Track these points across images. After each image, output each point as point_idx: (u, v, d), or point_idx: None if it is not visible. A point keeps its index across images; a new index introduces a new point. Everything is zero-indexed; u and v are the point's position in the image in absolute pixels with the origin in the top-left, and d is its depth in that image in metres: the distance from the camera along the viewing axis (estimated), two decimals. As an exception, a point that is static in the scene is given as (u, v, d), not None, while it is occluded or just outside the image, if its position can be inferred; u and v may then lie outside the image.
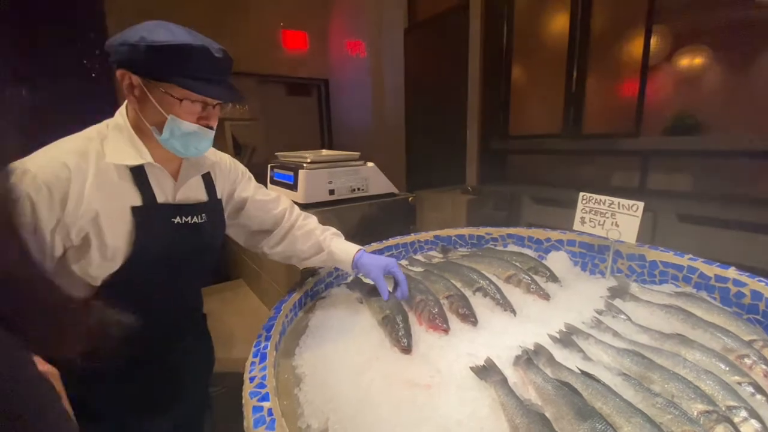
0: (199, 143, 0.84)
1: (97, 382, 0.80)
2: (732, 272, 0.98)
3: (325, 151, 1.83)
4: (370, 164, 1.73)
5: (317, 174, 1.57)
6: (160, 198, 0.85)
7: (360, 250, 1.06)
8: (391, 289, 1.03)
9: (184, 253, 0.88)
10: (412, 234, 1.49)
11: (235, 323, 1.76)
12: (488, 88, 3.26)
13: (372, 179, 1.72)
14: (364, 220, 1.66)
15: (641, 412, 0.61)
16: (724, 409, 0.64)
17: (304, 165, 1.56)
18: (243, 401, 0.69)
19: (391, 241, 1.41)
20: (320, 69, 4.77)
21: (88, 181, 0.75)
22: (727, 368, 0.74)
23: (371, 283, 1.07)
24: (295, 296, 1.06)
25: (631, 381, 0.70)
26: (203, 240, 0.92)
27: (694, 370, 0.73)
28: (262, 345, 0.83)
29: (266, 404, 0.65)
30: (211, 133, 0.85)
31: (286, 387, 0.79)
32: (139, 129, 0.82)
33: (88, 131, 0.81)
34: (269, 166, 1.86)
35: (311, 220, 1.12)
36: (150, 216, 0.82)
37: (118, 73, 0.77)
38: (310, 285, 1.15)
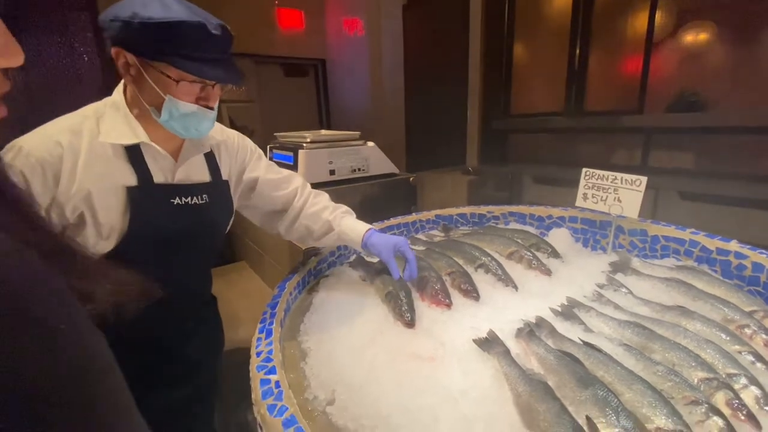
0: (199, 124, 0.82)
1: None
2: (734, 245, 0.98)
3: (324, 131, 1.81)
4: (370, 144, 1.72)
5: (317, 154, 1.56)
6: (158, 178, 0.83)
7: (370, 229, 1.04)
8: (401, 270, 1.01)
9: (184, 234, 0.87)
10: (413, 213, 1.49)
11: (239, 304, 1.78)
12: (489, 67, 3.20)
13: (373, 159, 1.71)
14: (365, 201, 1.66)
15: (642, 380, 0.62)
16: (724, 376, 0.65)
17: (304, 145, 1.54)
18: (250, 375, 0.70)
19: (392, 221, 1.41)
20: (317, 48, 4.68)
21: (81, 160, 0.74)
22: (728, 338, 0.75)
23: (375, 261, 1.08)
24: (299, 275, 1.07)
25: (632, 351, 0.71)
26: (206, 221, 0.91)
27: (694, 339, 0.74)
28: (268, 322, 0.84)
29: (273, 377, 0.66)
30: (212, 114, 0.83)
31: (292, 361, 0.80)
32: (136, 108, 0.80)
33: (85, 109, 0.79)
34: (268, 146, 1.84)
35: (322, 198, 1.11)
36: (146, 196, 0.81)
37: (113, 51, 0.74)
38: (313, 264, 1.15)
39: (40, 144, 0.71)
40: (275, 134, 1.82)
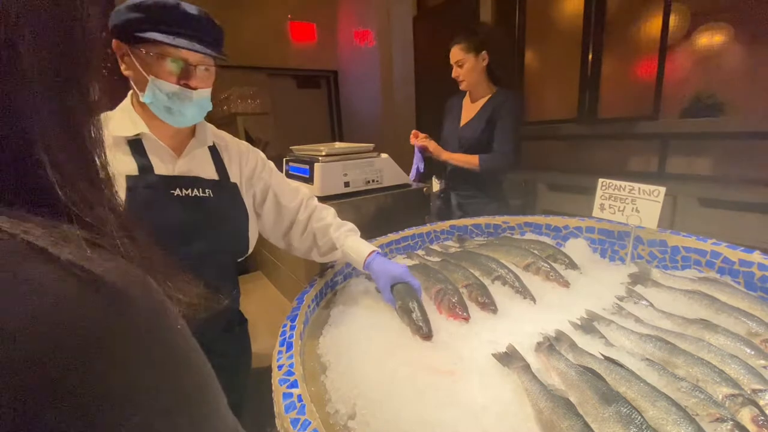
0: (182, 106, 0.82)
1: None
2: (757, 256, 0.97)
3: (338, 144, 1.84)
4: (384, 155, 1.73)
5: (332, 167, 1.58)
6: (159, 170, 0.86)
7: (373, 252, 1.03)
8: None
9: (187, 225, 0.87)
10: (428, 224, 1.50)
11: (255, 315, 1.80)
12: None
13: (386, 170, 1.72)
14: (380, 212, 1.68)
15: (666, 396, 0.62)
16: (749, 392, 0.64)
17: (320, 158, 1.57)
18: (273, 388, 0.71)
19: (407, 232, 1.42)
20: (329, 60, 4.77)
21: None
22: (753, 352, 0.73)
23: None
24: (317, 286, 1.09)
25: (655, 366, 0.71)
26: (211, 214, 0.91)
27: (718, 354, 0.72)
28: (288, 334, 0.85)
29: (295, 390, 0.68)
30: (195, 96, 0.83)
31: (313, 374, 0.81)
32: (138, 103, 0.84)
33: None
34: (284, 159, 1.88)
35: (327, 213, 1.12)
36: (145, 185, 0.83)
37: (114, 44, 0.78)
38: (330, 276, 1.17)
39: None
40: (291, 147, 1.86)
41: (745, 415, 0.60)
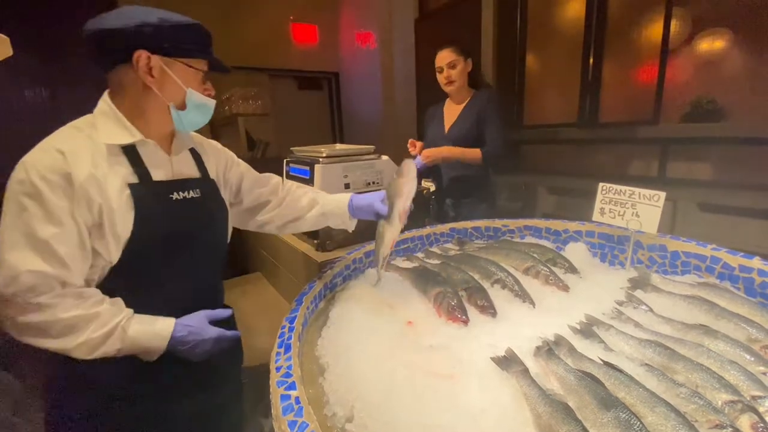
0: (209, 112, 0.92)
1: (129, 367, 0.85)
2: (757, 262, 0.97)
3: (339, 146, 1.84)
4: (384, 157, 1.74)
5: (333, 168, 1.58)
6: (157, 176, 0.87)
7: (351, 195, 1.12)
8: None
9: (187, 228, 0.90)
10: (428, 227, 1.50)
11: (254, 315, 1.81)
12: (501, 78, 3.21)
13: (386, 173, 1.72)
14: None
15: (665, 402, 0.61)
16: (749, 398, 0.64)
17: (320, 159, 1.57)
18: (270, 390, 0.71)
19: (407, 234, 1.42)
20: (331, 62, 4.77)
21: (85, 162, 0.76)
22: (752, 358, 0.73)
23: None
24: (316, 288, 1.09)
25: (654, 371, 0.71)
26: (203, 215, 0.94)
27: (718, 360, 0.72)
28: (286, 336, 0.85)
29: (293, 393, 0.67)
30: (214, 103, 0.93)
31: (311, 376, 0.81)
32: (132, 112, 0.84)
33: (74, 123, 0.83)
34: (285, 160, 1.88)
35: (305, 187, 1.20)
36: (147, 192, 0.84)
37: (136, 55, 0.79)
38: (329, 277, 1.17)
39: (44, 157, 0.74)
40: (291, 149, 1.86)
41: (745, 422, 0.60)
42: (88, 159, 0.77)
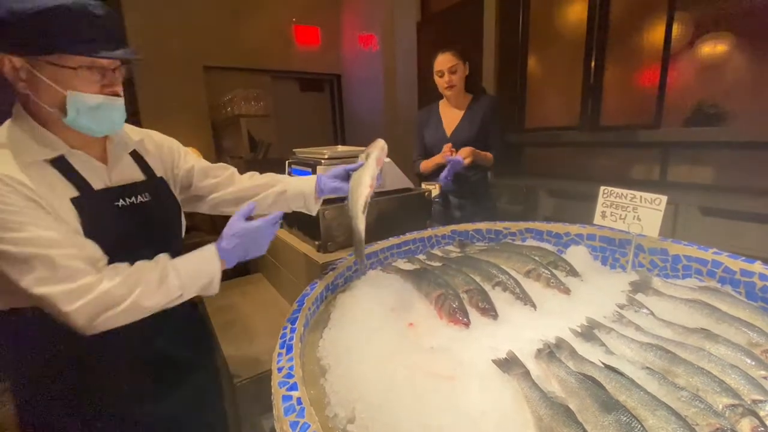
0: (111, 115, 0.78)
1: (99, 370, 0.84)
2: (758, 266, 0.97)
3: (341, 147, 1.84)
4: (386, 160, 1.74)
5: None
6: (97, 185, 0.81)
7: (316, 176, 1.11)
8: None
9: (139, 235, 0.86)
10: (429, 229, 1.50)
11: (255, 316, 1.81)
12: (503, 81, 3.22)
13: (389, 175, 1.73)
14: (382, 216, 1.68)
15: (666, 405, 0.61)
16: (749, 402, 0.64)
17: (322, 161, 1.58)
18: (272, 391, 0.71)
19: (409, 236, 1.43)
20: (333, 64, 4.80)
21: (27, 185, 0.69)
22: (753, 363, 0.73)
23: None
24: (317, 289, 1.09)
25: (655, 375, 0.71)
26: (153, 218, 0.90)
27: (719, 364, 0.72)
28: (288, 337, 0.85)
29: (295, 393, 0.67)
30: (120, 101, 0.79)
31: (312, 377, 0.81)
32: (42, 119, 0.75)
33: None
34: (287, 162, 1.88)
35: (264, 174, 1.17)
36: (91, 204, 0.78)
37: (5, 63, 0.68)
38: (331, 278, 1.17)
39: None
40: (293, 150, 1.87)
41: (745, 426, 0.60)
42: (27, 185, 0.69)
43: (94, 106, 0.74)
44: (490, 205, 2.09)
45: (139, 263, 0.77)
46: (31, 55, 0.68)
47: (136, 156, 0.93)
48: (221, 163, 1.13)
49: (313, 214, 1.18)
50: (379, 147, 1.09)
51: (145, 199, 0.89)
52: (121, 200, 0.84)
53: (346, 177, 1.10)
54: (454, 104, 2.00)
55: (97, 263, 0.73)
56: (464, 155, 1.79)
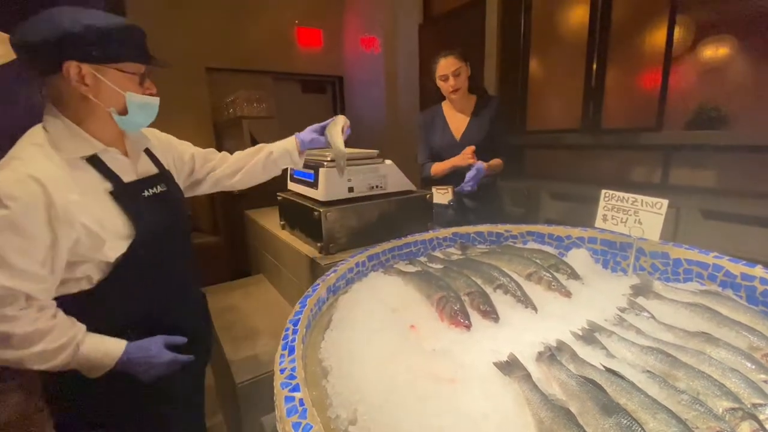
0: (153, 111, 0.94)
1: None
2: (759, 270, 0.97)
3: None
4: (388, 162, 1.75)
5: (337, 172, 1.59)
6: (126, 178, 0.92)
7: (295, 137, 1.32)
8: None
9: (166, 221, 0.98)
10: (431, 231, 1.51)
11: (256, 316, 1.82)
12: (505, 83, 3.23)
13: (390, 177, 1.73)
14: (383, 218, 1.68)
15: (666, 409, 0.62)
16: (749, 406, 0.64)
17: (324, 163, 1.58)
18: (274, 392, 0.72)
19: (410, 238, 1.43)
20: (335, 66, 4.81)
21: (61, 184, 0.78)
22: (753, 366, 0.74)
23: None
24: (319, 291, 1.09)
25: (656, 378, 0.71)
26: (174, 206, 1.03)
27: (719, 368, 0.73)
28: (290, 338, 0.85)
29: (297, 395, 0.68)
30: (158, 100, 0.94)
31: (314, 379, 0.82)
32: (81, 119, 0.85)
33: (32, 139, 0.82)
34: (290, 164, 1.89)
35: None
36: (125, 196, 0.89)
37: (65, 66, 0.78)
38: (332, 280, 1.18)
39: (20, 186, 0.73)
40: (296, 152, 1.87)
41: (745, 429, 0.60)
42: (63, 180, 0.79)
43: (142, 104, 0.90)
44: (500, 207, 2.10)
45: (58, 321, 0.82)
46: (101, 63, 0.82)
47: (147, 151, 1.04)
48: (211, 149, 1.28)
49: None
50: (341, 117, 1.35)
51: (163, 189, 1.01)
52: (146, 191, 0.96)
53: (320, 131, 1.34)
54: (459, 107, 1.99)
55: (31, 300, 0.79)
56: (488, 168, 1.80)
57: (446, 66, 1.85)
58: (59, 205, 0.76)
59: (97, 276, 0.86)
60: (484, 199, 2.01)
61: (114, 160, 0.91)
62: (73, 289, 0.85)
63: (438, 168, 2.00)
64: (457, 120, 1.99)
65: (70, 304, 0.85)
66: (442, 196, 1.94)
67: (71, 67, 0.79)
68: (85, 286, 0.86)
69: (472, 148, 1.85)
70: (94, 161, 0.87)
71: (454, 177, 1.95)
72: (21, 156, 0.78)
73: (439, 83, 1.91)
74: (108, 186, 0.87)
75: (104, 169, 0.88)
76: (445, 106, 2.04)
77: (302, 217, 1.67)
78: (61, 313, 0.83)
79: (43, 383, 0.93)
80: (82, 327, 0.85)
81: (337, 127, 1.32)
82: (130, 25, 0.84)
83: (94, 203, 0.84)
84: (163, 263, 0.98)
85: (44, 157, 0.79)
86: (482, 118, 1.93)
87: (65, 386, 0.90)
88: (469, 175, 1.82)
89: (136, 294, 0.92)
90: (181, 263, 1.05)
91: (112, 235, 0.85)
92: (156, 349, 0.92)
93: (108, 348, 0.87)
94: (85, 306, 0.86)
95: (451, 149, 1.95)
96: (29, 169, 0.75)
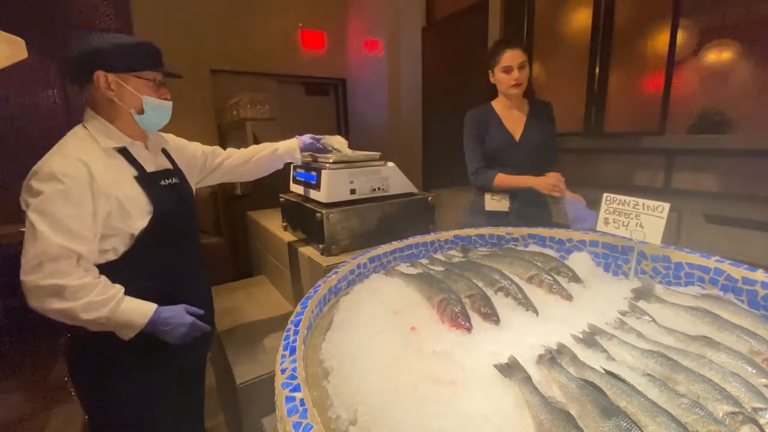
0: (167, 114, 1.15)
1: None
2: (760, 274, 0.97)
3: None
4: (390, 164, 1.75)
5: (339, 174, 1.60)
6: (148, 168, 1.12)
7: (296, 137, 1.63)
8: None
9: (179, 207, 1.17)
10: (432, 233, 1.51)
11: (258, 317, 1.82)
12: (507, 87, 3.22)
13: (392, 179, 1.74)
14: (385, 220, 1.69)
15: (666, 412, 0.62)
16: (750, 410, 0.64)
17: (327, 165, 1.59)
18: (275, 392, 0.72)
19: (412, 240, 1.43)
20: (338, 69, 4.84)
21: (101, 167, 0.99)
22: (754, 371, 0.73)
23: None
24: (320, 292, 1.10)
25: (656, 381, 0.71)
26: (185, 196, 1.23)
27: (720, 372, 0.73)
28: (291, 339, 0.86)
29: (298, 395, 0.68)
30: (171, 104, 1.15)
31: (315, 379, 0.82)
32: (112, 118, 1.07)
33: (76, 135, 1.04)
34: (292, 165, 1.90)
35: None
36: (147, 181, 1.09)
37: (96, 75, 1.01)
38: (334, 282, 1.18)
39: (68, 164, 0.94)
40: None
41: (745, 434, 0.60)
42: (102, 163, 1.01)
43: (158, 106, 1.11)
44: (549, 212, 1.93)
45: (104, 279, 1.00)
46: (123, 72, 1.03)
47: (164, 151, 1.24)
48: (216, 146, 1.49)
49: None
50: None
51: (176, 182, 1.20)
52: (163, 180, 1.15)
53: (317, 141, 1.68)
54: (516, 105, 1.78)
55: (81, 260, 0.96)
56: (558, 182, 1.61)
57: (513, 57, 1.64)
58: (99, 181, 0.96)
59: (122, 248, 1.03)
60: (542, 205, 1.85)
61: (139, 152, 1.11)
62: (101, 260, 1.02)
63: (505, 182, 1.74)
64: (513, 119, 1.78)
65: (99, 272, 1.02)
66: (497, 203, 1.76)
67: (100, 76, 1.01)
68: (112, 257, 1.03)
69: (563, 179, 1.63)
70: (124, 152, 1.08)
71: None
72: (69, 145, 0.99)
73: (499, 75, 1.70)
74: (134, 172, 1.08)
75: (131, 158, 1.08)
76: (497, 104, 1.81)
77: (304, 219, 1.68)
78: (103, 276, 1.00)
79: (69, 369, 1.09)
80: (121, 288, 1.01)
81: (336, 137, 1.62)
82: (146, 42, 1.06)
83: (123, 184, 1.03)
84: (177, 241, 1.16)
85: (86, 147, 1.01)
86: (540, 121, 1.77)
87: (90, 368, 1.07)
88: (576, 215, 1.56)
89: (155, 266, 1.09)
90: (190, 244, 1.23)
91: (137, 210, 1.04)
92: (180, 311, 1.09)
93: (142, 307, 1.03)
94: (110, 276, 1.02)
95: (509, 150, 1.75)
96: (76, 153, 0.96)
